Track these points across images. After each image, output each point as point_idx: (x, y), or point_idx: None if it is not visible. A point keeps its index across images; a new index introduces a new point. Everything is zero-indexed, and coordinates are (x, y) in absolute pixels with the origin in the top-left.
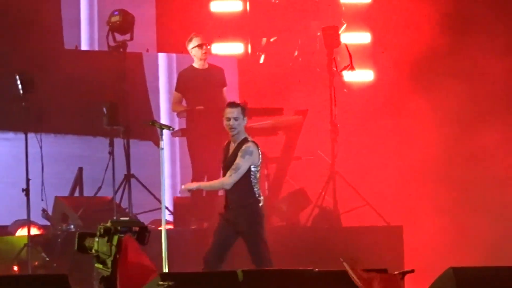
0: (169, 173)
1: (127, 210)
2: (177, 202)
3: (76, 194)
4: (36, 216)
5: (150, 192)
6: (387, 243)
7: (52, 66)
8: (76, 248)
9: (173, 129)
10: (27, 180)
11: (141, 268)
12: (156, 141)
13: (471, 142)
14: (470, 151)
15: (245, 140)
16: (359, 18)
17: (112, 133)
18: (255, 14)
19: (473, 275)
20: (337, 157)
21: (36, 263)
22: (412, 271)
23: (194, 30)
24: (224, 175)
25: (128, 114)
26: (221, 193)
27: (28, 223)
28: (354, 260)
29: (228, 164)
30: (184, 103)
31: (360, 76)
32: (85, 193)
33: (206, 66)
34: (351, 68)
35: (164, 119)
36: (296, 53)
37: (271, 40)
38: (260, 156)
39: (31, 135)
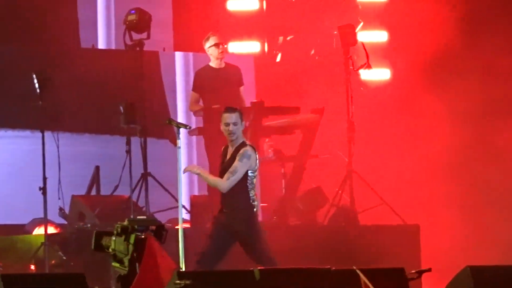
0: None
1: (144, 209)
2: (194, 200)
3: (93, 192)
4: (53, 215)
5: (167, 190)
6: (404, 242)
7: (68, 65)
8: (93, 247)
9: (189, 127)
10: (44, 178)
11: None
12: (173, 139)
13: (486, 140)
14: (486, 149)
15: (243, 144)
16: (375, 17)
17: (129, 131)
18: (272, 13)
19: (491, 274)
20: (354, 156)
21: (53, 261)
22: (429, 270)
23: (210, 29)
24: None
25: (145, 113)
26: None
27: (45, 221)
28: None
29: (226, 167)
30: (201, 102)
31: (377, 74)
32: (102, 192)
33: (223, 65)
34: (368, 66)
35: (180, 118)
36: (312, 52)
37: (288, 38)
38: (257, 161)
39: (48, 134)
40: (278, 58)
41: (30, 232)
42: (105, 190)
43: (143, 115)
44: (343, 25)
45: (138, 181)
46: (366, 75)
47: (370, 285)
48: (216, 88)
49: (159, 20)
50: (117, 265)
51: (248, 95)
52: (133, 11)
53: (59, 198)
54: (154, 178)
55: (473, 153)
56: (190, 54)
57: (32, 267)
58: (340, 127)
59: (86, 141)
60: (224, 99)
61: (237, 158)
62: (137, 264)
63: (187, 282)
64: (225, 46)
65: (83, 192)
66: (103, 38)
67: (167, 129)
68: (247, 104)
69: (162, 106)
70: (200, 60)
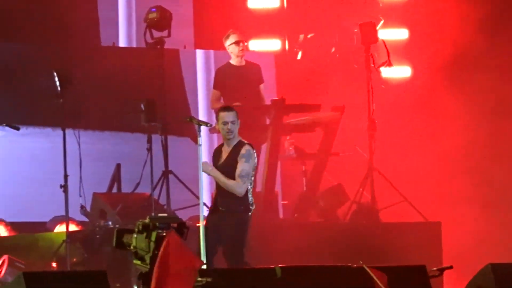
0: None
1: (165, 207)
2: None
3: (114, 190)
4: (75, 213)
5: (188, 188)
6: (426, 239)
7: (89, 63)
8: (114, 244)
9: (210, 125)
10: (65, 176)
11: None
12: (194, 137)
13: (509, 138)
14: (509, 147)
15: (241, 143)
16: (396, 14)
17: (150, 129)
18: (293, 11)
19: None
20: (374, 153)
21: (75, 259)
22: (450, 267)
23: (231, 27)
24: None
25: (165, 111)
26: (259, 188)
27: (66, 219)
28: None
29: (224, 166)
30: (222, 100)
31: (398, 72)
32: (123, 190)
33: (243, 63)
34: (389, 64)
35: (201, 116)
36: (333, 50)
37: (309, 36)
38: (256, 159)
39: (69, 132)
40: (299, 56)
41: (52, 230)
42: (126, 188)
43: (164, 113)
44: (364, 23)
45: (159, 178)
46: (387, 72)
47: (379, 282)
48: (236, 86)
49: (179, 18)
50: (139, 262)
51: (269, 93)
52: (154, 9)
53: (80, 196)
54: (175, 175)
55: (494, 150)
56: (211, 51)
57: (54, 264)
58: (361, 124)
59: (107, 138)
60: (243, 97)
61: (242, 160)
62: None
63: (208, 279)
64: (246, 43)
65: (104, 189)
66: (124, 36)
67: (188, 127)
68: (268, 102)
69: (183, 104)
70: (221, 58)
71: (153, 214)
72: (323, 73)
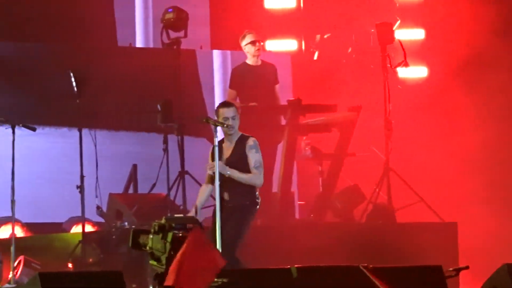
0: None
1: (181, 207)
2: None
3: (130, 191)
4: (91, 213)
5: None
6: (442, 240)
7: (106, 64)
8: (130, 245)
9: (227, 126)
10: (82, 177)
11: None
12: (210, 138)
13: None
14: None
15: (245, 137)
16: (412, 15)
17: (166, 130)
18: (309, 11)
19: None
20: (391, 154)
21: (91, 260)
22: (466, 267)
23: (247, 27)
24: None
25: (182, 111)
26: (275, 189)
27: (82, 220)
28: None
29: (232, 162)
30: (238, 99)
31: (414, 72)
32: (139, 190)
33: (259, 63)
34: (405, 64)
35: None
36: (350, 50)
37: (325, 36)
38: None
39: (85, 132)
40: (315, 56)
41: (68, 231)
42: (142, 188)
43: (181, 113)
44: (381, 23)
45: (176, 179)
46: (403, 73)
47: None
48: (252, 86)
49: (196, 18)
50: (155, 263)
51: (285, 93)
52: (170, 10)
53: (96, 196)
54: (191, 176)
55: (510, 150)
56: (228, 52)
57: (70, 265)
58: (377, 125)
59: (123, 139)
60: (259, 96)
61: (252, 151)
62: None
63: (224, 280)
64: (262, 43)
65: (120, 190)
66: (141, 36)
67: (204, 127)
68: (284, 102)
69: (199, 104)
70: (237, 58)
71: (169, 214)
72: (339, 73)
